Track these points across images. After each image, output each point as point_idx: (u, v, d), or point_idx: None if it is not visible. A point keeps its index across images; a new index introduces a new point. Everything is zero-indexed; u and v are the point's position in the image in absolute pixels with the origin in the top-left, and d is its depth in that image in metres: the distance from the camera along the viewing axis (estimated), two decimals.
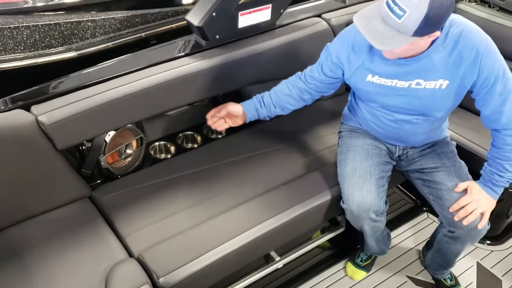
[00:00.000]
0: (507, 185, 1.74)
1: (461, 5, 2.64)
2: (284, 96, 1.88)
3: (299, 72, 1.91)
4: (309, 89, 1.88)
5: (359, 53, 1.69)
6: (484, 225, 1.73)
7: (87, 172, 1.97)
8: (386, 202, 1.86)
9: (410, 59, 1.60)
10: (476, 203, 1.71)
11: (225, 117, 1.87)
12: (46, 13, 2.07)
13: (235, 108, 1.85)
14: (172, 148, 2.35)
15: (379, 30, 1.41)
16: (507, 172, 1.70)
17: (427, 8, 1.34)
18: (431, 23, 1.38)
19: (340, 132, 2.05)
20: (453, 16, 1.59)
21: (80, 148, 1.99)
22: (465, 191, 1.75)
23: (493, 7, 2.77)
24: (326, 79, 1.83)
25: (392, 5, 1.38)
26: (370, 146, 1.89)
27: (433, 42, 1.56)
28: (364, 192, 1.77)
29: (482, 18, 2.54)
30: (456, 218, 1.73)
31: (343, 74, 1.79)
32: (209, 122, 1.88)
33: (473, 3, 2.80)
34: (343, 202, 1.85)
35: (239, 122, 1.89)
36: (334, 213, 2.00)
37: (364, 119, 1.92)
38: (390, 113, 1.78)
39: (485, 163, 1.77)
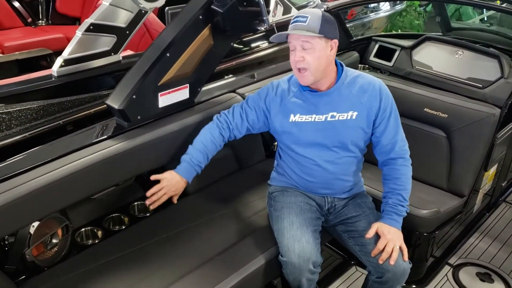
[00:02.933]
0: (406, 215, 1.95)
1: None
2: (212, 145, 2.02)
3: (215, 118, 2.07)
4: (225, 128, 2.05)
5: (280, 97, 2.01)
6: (407, 255, 1.89)
7: (11, 268, 1.86)
8: (321, 255, 1.94)
9: (322, 93, 1.94)
10: (392, 241, 1.87)
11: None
12: None
13: (177, 187, 1.95)
14: (99, 233, 2.28)
15: (296, 30, 1.83)
16: (405, 202, 1.95)
17: (321, 13, 1.83)
18: (328, 23, 1.84)
19: (270, 193, 2.16)
20: (347, 67, 2.02)
21: (2, 242, 1.89)
22: (377, 234, 1.91)
23: (384, 72, 3.12)
24: (247, 124, 2.05)
25: (296, 18, 1.84)
26: (301, 203, 2.03)
27: (337, 79, 1.94)
28: (303, 243, 1.86)
29: None
30: (380, 262, 1.86)
31: (265, 121, 2.04)
32: (151, 205, 1.93)
33: (367, 70, 3.13)
34: (282, 256, 1.91)
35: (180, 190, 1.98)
36: (270, 276, 2.04)
37: (292, 173, 2.06)
38: (313, 156, 1.97)
39: (384, 200, 1.97)
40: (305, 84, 1.91)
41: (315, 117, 1.95)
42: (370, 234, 1.91)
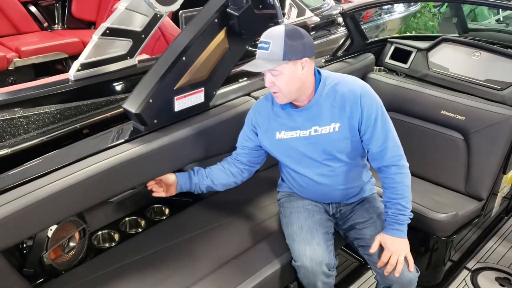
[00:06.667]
0: (410, 221, 1.89)
1: (372, 75, 2.92)
2: (216, 170, 2.07)
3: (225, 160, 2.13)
4: (236, 162, 2.08)
5: (264, 116, 1.99)
6: (413, 266, 1.85)
7: (29, 271, 1.88)
8: (336, 257, 1.93)
9: (302, 108, 1.89)
10: (396, 253, 1.83)
11: (158, 184, 2.05)
12: None
13: (168, 177, 2.03)
14: (116, 236, 2.30)
15: (258, 63, 1.77)
16: (406, 210, 1.87)
17: (283, 34, 1.71)
18: (293, 46, 1.72)
19: (278, 199, 2.17)
20: (329, 73, 1.93)
21: (21, 246, 1.90)
22: (381, 246, 1.87)
23: (400, 74, 3.09)
24: (250, 151, 2.04)
25: (260, 43, 1.76)
26: (309, 205, 2.03)
27: (315, 91, 1.87)
28: (314, 246, 1.86)
29: (392, 84, 2.83)
30: (386, 273, 1.84)
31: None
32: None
33: (383, 73, 3.10)
34: (294, 261, 1.90)
35: (172, 190, 2.05)
36: (286, 281, 2.03)
37: (292, 184, 2.08)
38: (305, 173, 1.97)
39: (384, 210, 1.92)
40: (281, 103, 1.88)
41: (299, 133, 1.91)
42: (373, 248, 1.88)
